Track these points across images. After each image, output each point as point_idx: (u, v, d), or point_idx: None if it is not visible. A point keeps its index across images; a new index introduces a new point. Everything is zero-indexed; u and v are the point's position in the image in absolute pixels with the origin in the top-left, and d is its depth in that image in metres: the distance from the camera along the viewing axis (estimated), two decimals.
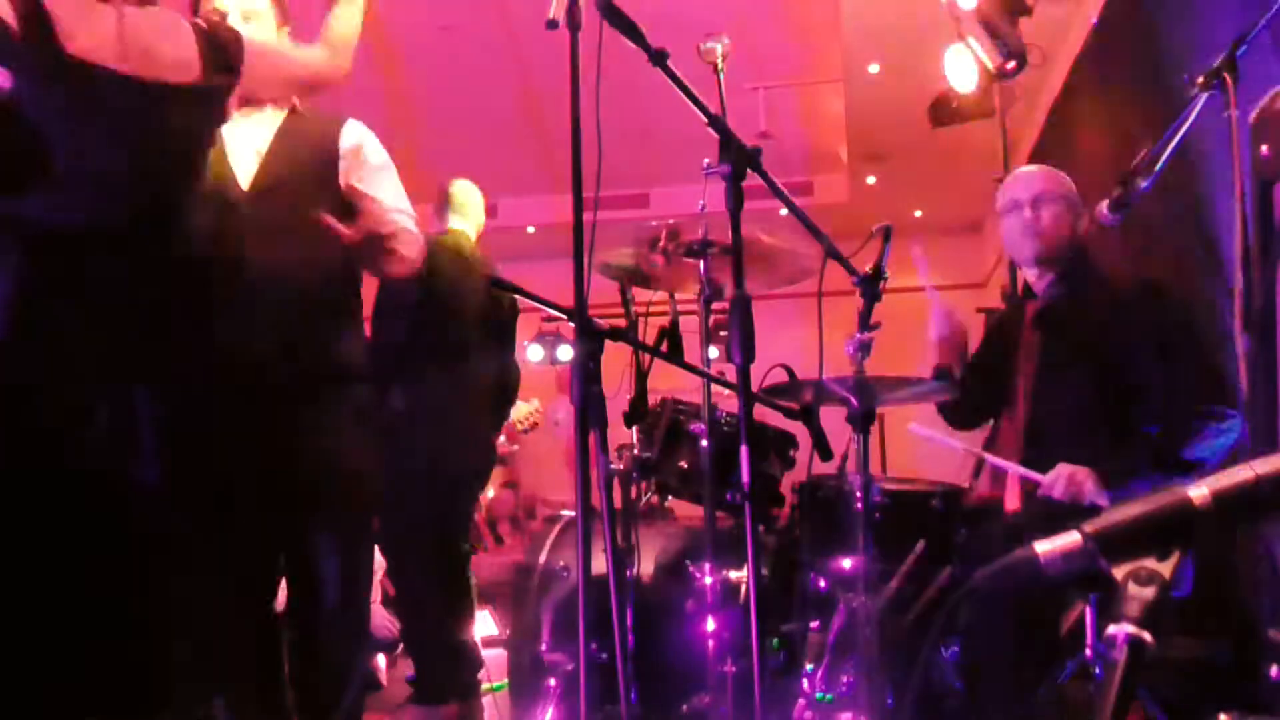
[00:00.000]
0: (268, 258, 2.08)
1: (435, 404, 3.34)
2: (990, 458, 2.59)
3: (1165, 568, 0.75)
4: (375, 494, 2.23)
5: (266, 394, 2.08)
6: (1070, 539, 0.78)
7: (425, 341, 3.29)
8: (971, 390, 2.68)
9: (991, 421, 2.82)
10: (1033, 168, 2.65)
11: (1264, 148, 1.73)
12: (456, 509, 3.48)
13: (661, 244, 2.51)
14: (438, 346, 3.36)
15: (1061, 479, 2.26)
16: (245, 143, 2.18)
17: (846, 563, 2.55)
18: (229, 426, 2.06)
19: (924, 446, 2.64)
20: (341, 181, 2.20)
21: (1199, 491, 0.76)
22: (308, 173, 2.17)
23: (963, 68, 4.23)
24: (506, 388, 3.67)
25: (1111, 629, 0.74)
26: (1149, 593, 0.74)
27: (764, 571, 2.85)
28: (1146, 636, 0.73)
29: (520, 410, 3.87)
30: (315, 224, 2.11)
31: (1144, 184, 1.92)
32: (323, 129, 2.24)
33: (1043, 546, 0.79)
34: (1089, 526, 0.77)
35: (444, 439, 3.36)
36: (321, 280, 2.15)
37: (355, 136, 2.24)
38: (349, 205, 2.20)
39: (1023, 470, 2.41)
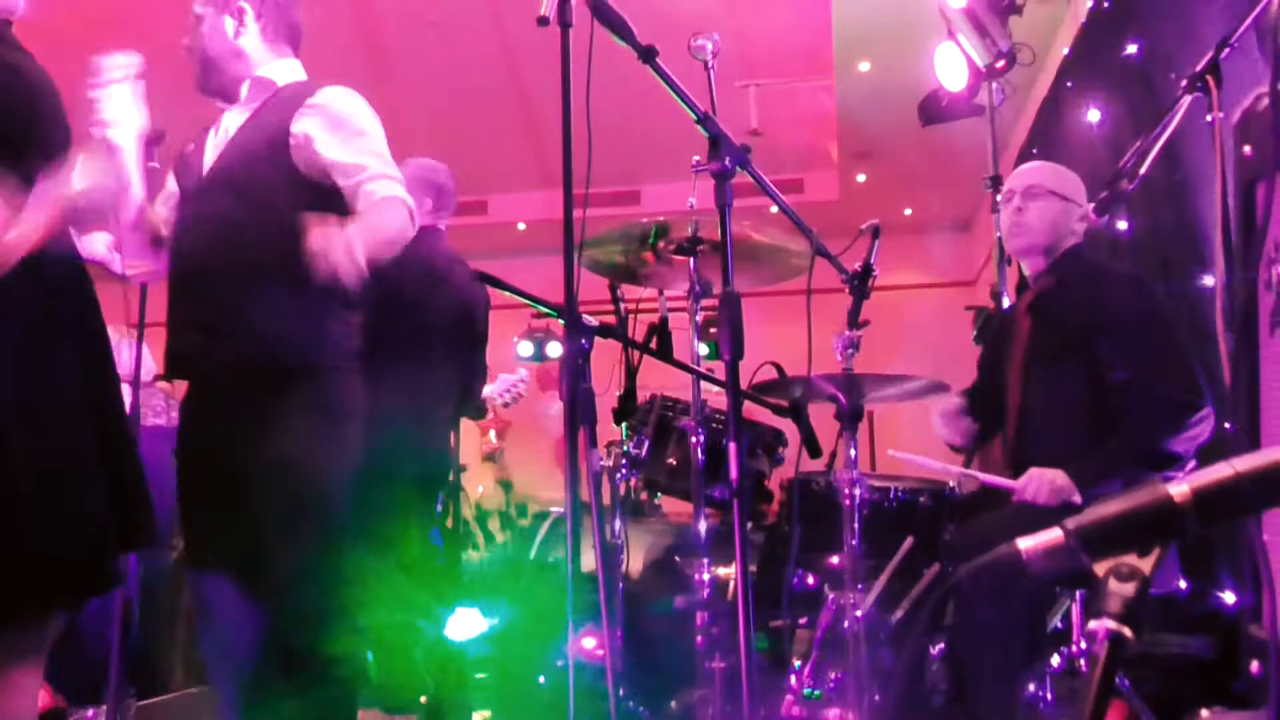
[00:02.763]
0: (215, 249, 2.02)
1: (394, 402, 3.29)
2: (969, 473, 2.61)
3: (1146, 564, 0.76)
4: (320, 488, 2.01)
5: (207, 387, 2.06)
6: (1052, 535, 0.79)
7: (387, 337, 3.25)
8: (980, 395, 2.70)
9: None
10: (1035, 163, 2.67)
11: (1247, 148, 1.75)
12: (418, 508, 3.42)
13: (651, 241, 2.51)
14: (400, 342, 3.32)
15: (1033, 482, 2.29)
16: (222, 134, 2.15)
17: (835, 559, 2.57)
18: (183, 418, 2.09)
19: (913, 446, 2.65)
20: (295, 159, 2.05)
21: (1179, 489, 0.77)
22: (259, 158, 2.06)
23: (953, 66, 4.24)
24: (471, 389, 3.64)
25: (1092, 624, 0.75)
26: (1129, 589, 0.75)
27: (753, 568, 2.86)
28: (1127, 632, 0.74)
29: (500, 384, 3.73)
30: (270, 213, 2.02)
31: (1130, 185, 1.94)
32: (283, 110, 2.10)
33: (1025, 543, 0.79)
34: (1071, 523, 0.78)
35: (404, 438, 3.33)
36: (274, 270, 1.99)
37: (311, 111, 2.08)
38: (316, 184, 2.05)
39: (1000, 481, 2.44)
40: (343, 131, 2.06)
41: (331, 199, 2.05)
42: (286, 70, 2.19)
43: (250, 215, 2.04)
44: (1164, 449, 2.26)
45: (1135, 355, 2.33)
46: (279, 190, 2.04)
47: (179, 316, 2.09)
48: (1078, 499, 2.25)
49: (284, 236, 1.96)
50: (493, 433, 8.72)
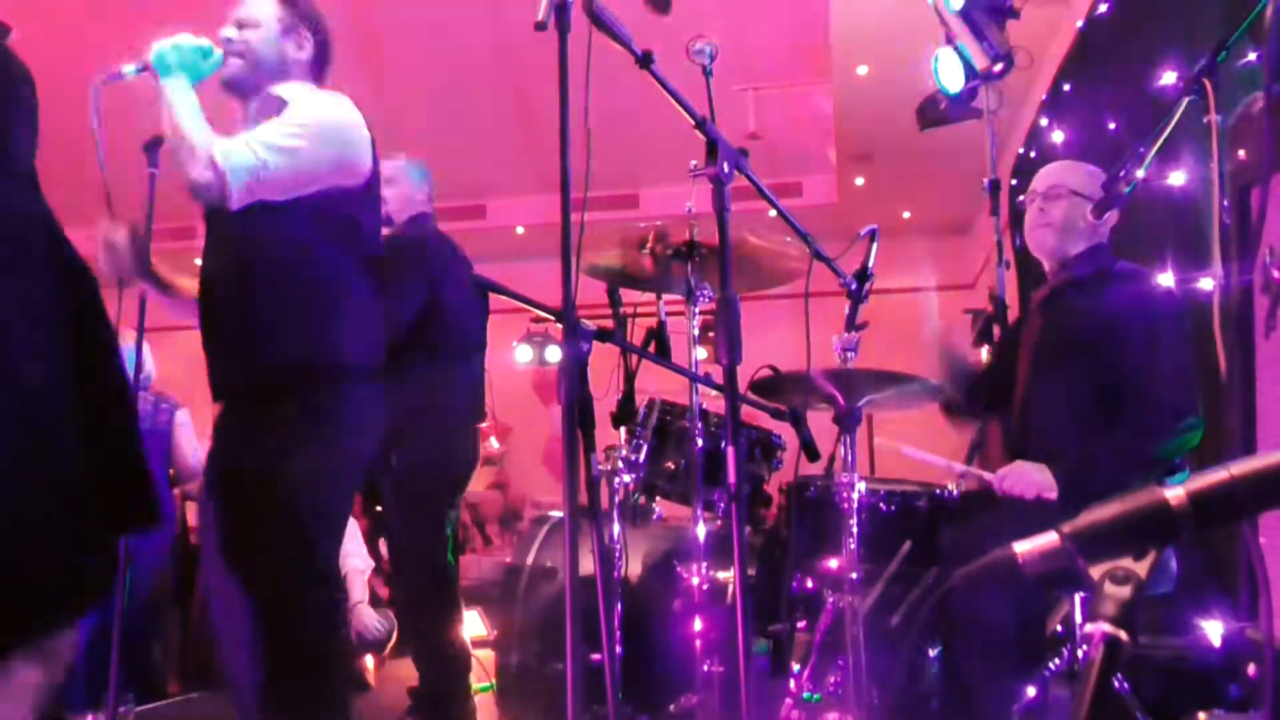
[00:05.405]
0: (231, 269, 2.12)
1: (441, 403, 3.30)
2: (969, 469, 2.61)
3: (1141, 567, 0.76)
4: (288, 499, 2.01)
5: (224, 400, 2.13)
6: (1048, 539, 0.79)
7: (431, 340, 3.25)
8: (990, 377, 2.73)
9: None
10: (1058, 163, 2.68)
11: (1241, 152, 1.75)
12: (452, 509, 3.45)
13: (649, 245, 2.51)
14: (445, 344, 3.33)
15: (1012, 475, 2.32)
16: None
17: (833, 563, 2.56)
18: None
19: (915, 446, 2.65)
20: None
21: (1175, 493, 0.77)
22: None
23: (950, 70, 4.25)
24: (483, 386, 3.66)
25: (1088, 628, 0.75)
26: (1125, 592, 0.75)
27: (751, 572, 2.86)
28: (1123, 635, 0.74)
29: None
30: (280, 229, 2.08)
31: (1127, 188, 1.94)
32: None
33: (1021, 546, 0.80)
34: (1067, 527, 0.78)
35: (452, 437, 3.34)
36: (281, 284, 2.08)
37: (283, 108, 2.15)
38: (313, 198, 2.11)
39: (988, 476, 2.45)
40: (281, 115, 2.11)
41: (333, 212, 2.11)
42: (297, 89, 2.22)
43: (262, 232, 2.08)
44: (1151, 454, 2.27)
45: (1133, 357, 2.34)
46: (288, 206, 2.08)
47: (206, 339, 2.16)
48: (1052, 495, 2.27)
49: (292, 251, 2.06)
50: (493, 438, 8.73)
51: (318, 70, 2.30)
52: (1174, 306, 2.49)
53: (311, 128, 2.09)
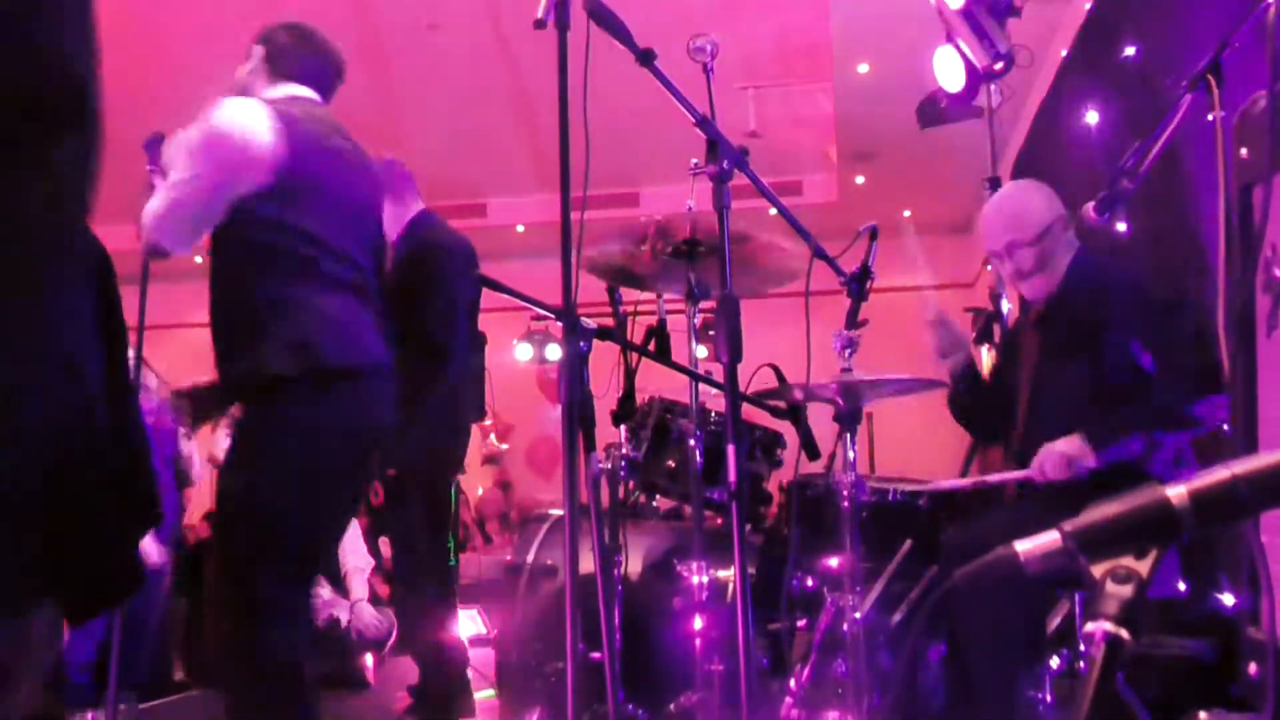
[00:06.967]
0: (215, 274, 2.20)
1: (444, 395, 3.30)
2: (980, 479, 2.60)
3: (1143, 566, 0.76)
4: (252, 497, 2.07)
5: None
6: (1049, 538, 0.79)
7: (439, 338, 3.24)
8: (992, 401, 2.70)
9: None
10: (995, 214, 2.63)
11: (1244, 151, 1.75)
12: (449, 504, 3.45)
13: (650, 241, 2.51)
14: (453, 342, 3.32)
15: (1044, 459, 2.28)
16: None
17: (834, 561, 2.56)
18: None
19: (911, 448, 2.65)
20: None
21: (1176, 492, 0.77)
22: None
23: (951, 68, 4.24)
24: (480, 378, 3.65)
25: (1089, 627, 0.75)
26: (1126, 591, 0.75)
27: (751, 570, 2.86)
28: (1124, 634, 0.74)
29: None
30: (242, 237, 2.14)
31: (1129, 186, 1.93)
32: None
33: (1022, 545, 0.80)
34: (1068, 526, 0.79)
35: (448, 430, 3.34)
36: (250, 289, 2.14)
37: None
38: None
39: (1010, 475, 2.44)
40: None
41: (288, 228, 2.13)
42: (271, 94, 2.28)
43: (229, 246, 2.16)
44: (1186, 409, 2.24)
45: (1160, 335, 2.32)
46: (248, 224, 2.15)
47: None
48: (1091, 461, 2.23)
49: (247, 267, 2.13)
50: (493, 436, 8.74)
51: (275, 69, 2.31)
52: (1166, 301, 2.50)
53: (198, 148, 2.12)
